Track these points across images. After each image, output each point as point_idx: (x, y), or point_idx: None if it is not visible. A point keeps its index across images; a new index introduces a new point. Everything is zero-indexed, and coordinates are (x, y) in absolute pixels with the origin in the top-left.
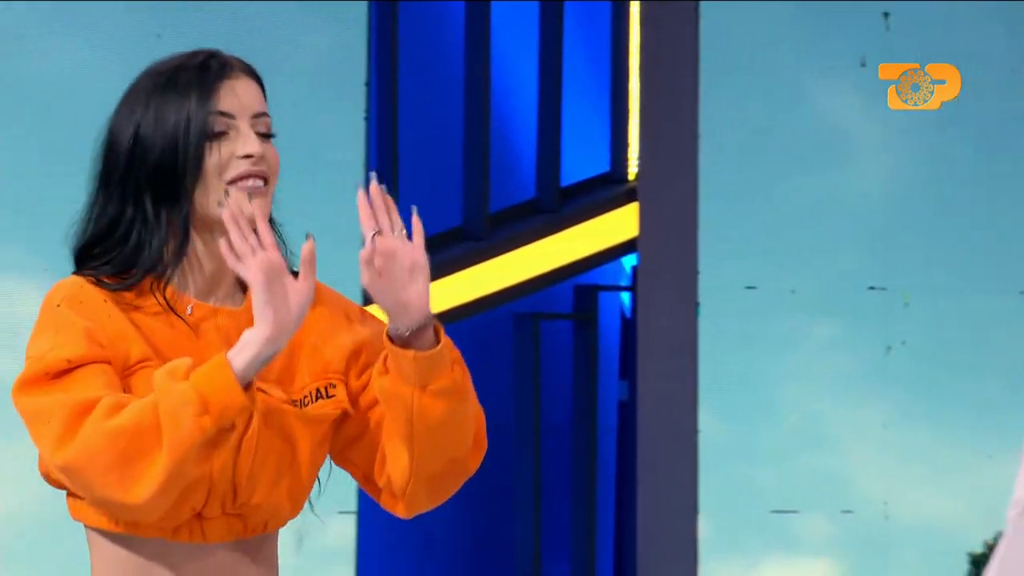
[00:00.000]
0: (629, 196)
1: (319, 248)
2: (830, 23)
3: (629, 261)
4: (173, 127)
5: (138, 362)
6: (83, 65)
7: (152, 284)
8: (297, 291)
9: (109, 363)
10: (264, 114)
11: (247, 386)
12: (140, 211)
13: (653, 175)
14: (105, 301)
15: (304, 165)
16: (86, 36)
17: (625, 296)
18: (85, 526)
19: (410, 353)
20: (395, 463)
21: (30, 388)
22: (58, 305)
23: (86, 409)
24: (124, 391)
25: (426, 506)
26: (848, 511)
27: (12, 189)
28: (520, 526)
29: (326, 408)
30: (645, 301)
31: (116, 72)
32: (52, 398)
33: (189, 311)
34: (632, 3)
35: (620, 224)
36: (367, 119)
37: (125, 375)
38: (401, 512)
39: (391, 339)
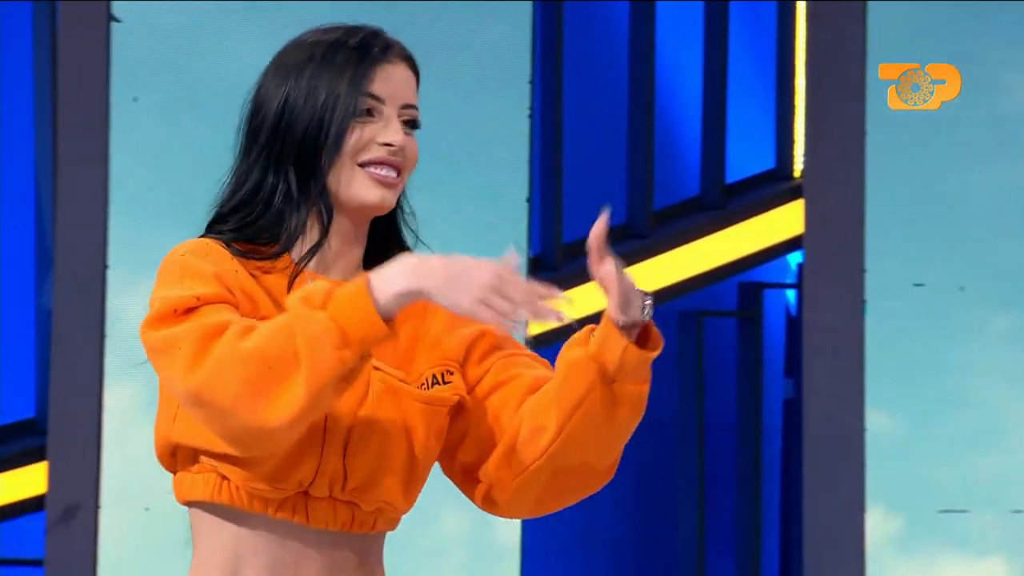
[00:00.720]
0: (795, 193)
1: (481, 244)
2: (998, 15)
3: (794, 258)
4: (323, 102)
5: (263, 318)
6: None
7: (278, 255)
8: (458, 260)
9: (237, 307)
10: (413, 106)
11: (388, 320)
12: (284, 183)
13: (819, 171)
14: (232, 258)
15: (468, 162)
16: (263, 36)
17: (790, 293)
18: (189, 508)
19: (624, 341)
20: (533, 441)
21: (158, 324)
22: (183, 254)
23: (217, 331)
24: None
25: (528, 508)
26: (1019, 511)
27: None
28: (684, 525)
29: (444, 393)
30: (811, 298)
31: None
32: (182, 327)
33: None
34: (799, 1)
35: (785, 221)
36: (531, 116)
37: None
38: (500, 508)
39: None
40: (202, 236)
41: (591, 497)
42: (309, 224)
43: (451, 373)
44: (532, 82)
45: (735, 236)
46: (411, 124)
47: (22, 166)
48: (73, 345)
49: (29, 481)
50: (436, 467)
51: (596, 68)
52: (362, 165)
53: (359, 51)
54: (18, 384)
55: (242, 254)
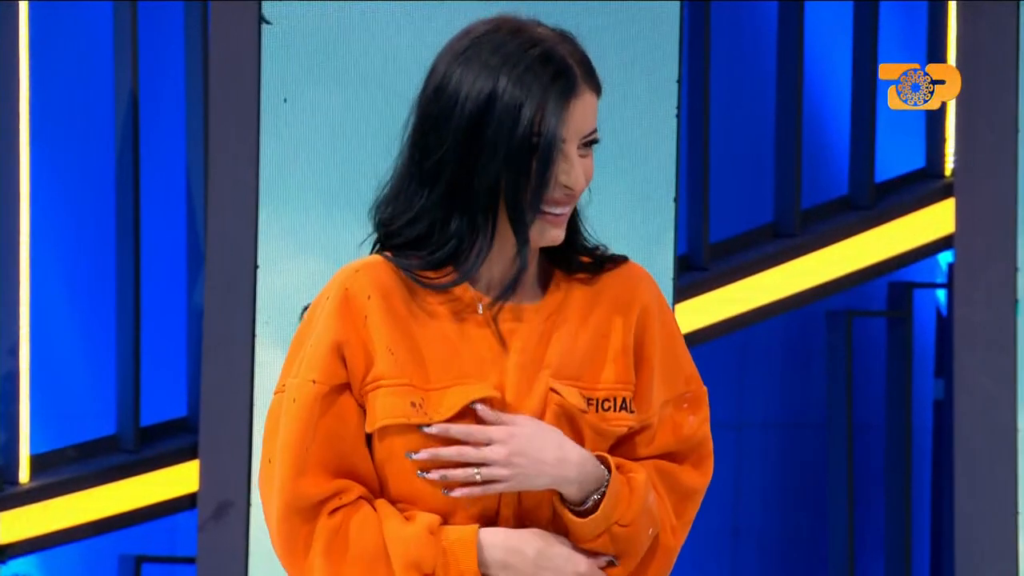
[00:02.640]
0: (945, 192)
1: (628, 243)
2: None
3: (945, 258)
4: (519, 142)
5: (374, 380)
6: (408, 65)
7: (454, 284)
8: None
9: (347, 386)
10: (594, 129)
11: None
12: (467, 208)
13: (970, 170)
14: (369, 297)
15: (615, 162)
16: (411, 36)
17: (940, 293)
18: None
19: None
20: None
21: (268, 436)
22: (328, 298)
23: (306, 509)
24: (356, 406)
25: None
26: None
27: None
28: (834, 525)
29: (628, 422)
30: (962, 298)
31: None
32: (298, 486)
33: (480, 310)
34: (950, 1)
35: (936, 220)
36: (678, 116)
37: (360, 395)
38: None
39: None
40: (379, 251)
41: (741, 494)
42: (487, 255)
43: (632, 400)
44: (679, 81)
45: (885, 235)
46: (591, 142)
47: (174, 168)
48: (224, 344)
49: (181, 479)
50: None
51: (743, 67)
52: (544, 204)
53: (555, 82)
54: (170, 383)
55: (414, 277)
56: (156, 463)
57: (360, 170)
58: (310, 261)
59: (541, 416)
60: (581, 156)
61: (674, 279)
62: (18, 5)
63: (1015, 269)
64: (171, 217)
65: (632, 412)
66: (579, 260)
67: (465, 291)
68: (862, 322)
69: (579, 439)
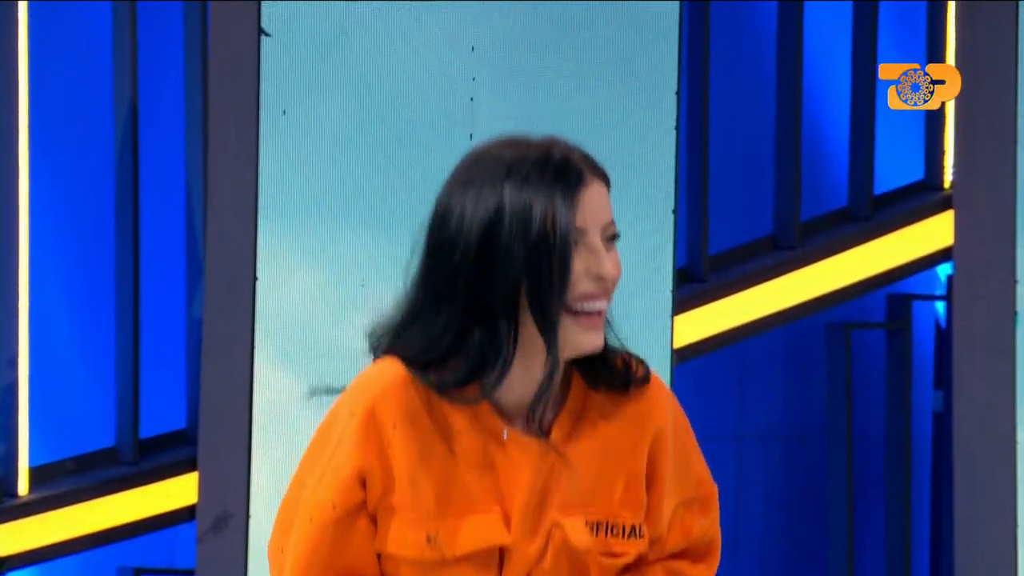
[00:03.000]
0: (944, 204)
1: (628, 255)
2: None
3: (944, 270)
4: (536, 241)
5: (392, 506)
6: (407, 78)
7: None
8: None
9: (364, 505)
10: (612, 221)
11: None
12: (487, 318)
13: (970, 182)
14: (395, 427)
15: (614, 173)
16: (411, 49)
17: (939, 305)
18: None
19: None
20: None
21: (283, 523)
22: (350, 415)
23: None
24: (370, 524)
25: None
26: None
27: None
28: (833, 536)
29: (637, 548)
30: (961, 310)
31: (430, 82)
32: (291, 565)
33: (505, 435)
34: (949, 2)
35: (935, 232)
36: (677, 128)
37: (374, 510)
38: None
39: None
40: (404, 362)
41: (741, 507)
42: (511, 365)
43: (642, 525)
44: (679, 94)
45: (884, 247)
46: (612, 237)
47: (173, 179)
48: (223, 356)
49: (180, 491)
50: None
51: (742, 79)
52: (577, 299)
53: (557, 178)
54: (169, 395)
55: (435, 388)
56: (155, 475)
57: (360, 180)
58: (310, 273)
59: (544, 552)
60: (605, 248)
61: (673, 291)
62: (17, 5)
63: (1014, 281)
64: (170, 228)
65: (642, 536)
66: (605, 373)
67: (490, 416)
68: (861, 334)
69: (584, 572)
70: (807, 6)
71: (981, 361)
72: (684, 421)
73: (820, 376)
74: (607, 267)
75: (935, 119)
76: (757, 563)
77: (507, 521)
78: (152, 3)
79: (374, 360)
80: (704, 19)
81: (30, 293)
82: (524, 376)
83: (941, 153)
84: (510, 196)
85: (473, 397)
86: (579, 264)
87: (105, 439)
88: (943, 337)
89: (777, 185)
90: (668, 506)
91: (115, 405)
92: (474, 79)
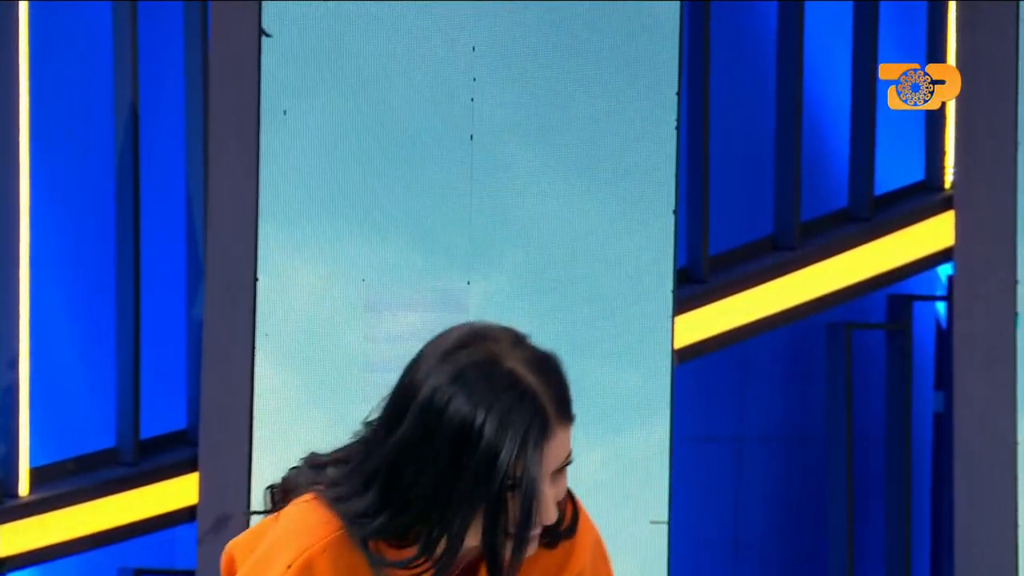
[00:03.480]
0: (945, 204)
1: (628, 256)
2: None
3: (944, 270)
4: (496, 490)
5: None
6: (405, 78)
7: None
8: None
9: None
10: (568, 454)
11: None
12: (440, 523)
13: (970, 183)
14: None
15: (615, 173)
16: (409, 50)
17: (940, 306)
18: None
19: None
20: None
21: None
22: (288, 566)
23: None
24: None
25: None
26: None
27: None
28: (833, 537)
29: None
30: (962, 310)
31: (425, 81)
32: None
33: None
34: (950, 2)
35: (935, 233)
36: (678, 128)
37: None
38: None
39: None
40: (352, 528)
41: (741, 508)
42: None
43: None
44: (679, 94)
45: (884, 248)
46: (565, 466)
47: (174, 180)
48: (224, 356)
49: (180, 492)
50: None
51: (743, 80)
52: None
53: (532, 428)
54: (169, 396)
55: (376, 561)
56: (156, 476)
57: (360, 181)
58: (310, 272)
59: None
60: (553, 483)
61: (673, 291)
62: (18, 5)
63: (1015, 281)
64: (171, 229)
65: None
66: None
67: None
68: (861, 334)
69: None
70: (807, 6)
71: (981, 362)
72: (602, 551)
73: (820, 377)
74: (549, 517)
75: (935, 119)
76: (757, 564)
77: None
78: (152, 3)
79: (298, 494)
80: (704, 19)
81: (30, 294)
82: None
83: (942, 153)
84: (481, 430)
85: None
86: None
87: (105, 440)
88: (944, 338)
89: (777, 185)
90: None
91: (115, 406)
92: (475, 80)
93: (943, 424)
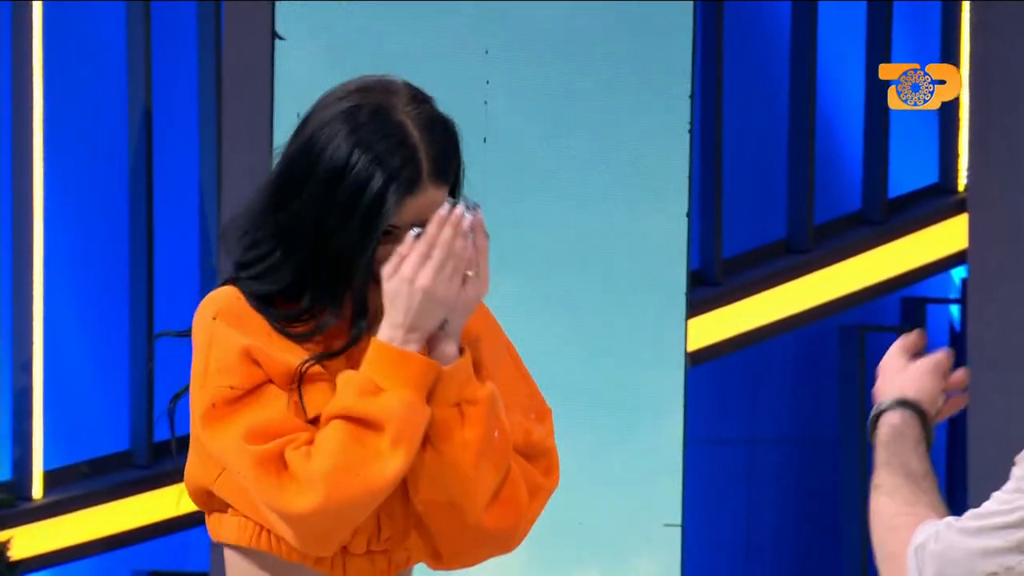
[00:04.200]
0: (959, 207)
1: (641, 258)
2: None
3: (958, 273)
4: (361, 220)
5: (305, 371)
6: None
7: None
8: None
9: (271, 381)
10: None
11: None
12: (320, 272)
13: (984, 185)
14: (257, 316)
15: (628, 176)
16: (422, 50)
17: (954, 308)
18: (223, 547)
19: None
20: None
21: (207, 424)
22: (213, 318)
23: (275, 456)
24: (295, 399)
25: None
26: None
27: None
28: (846, 539)
29: None
30: (975, 314)
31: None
32: (233, 445)
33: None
34: (963, 3)
35: (949, 236)
36: (691, 131)
37: (295, 383)
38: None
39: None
40: (229, 283)
41: (753, 510)
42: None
43: None
44: (692, 96)
45: (898, 251)
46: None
47: (187, 182)
48: None
49: None
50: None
51: (756, 82)
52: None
53: (401, 172)
54: (182, 398)
55: (262, 308)
56: (169, 478)
57: None
58: None
59: None
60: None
61: (687, 294)
62: (32, 5)
63: None
64: (184, 231)
65: None
66: None
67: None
68: (875, 337)
69: None
70: (821, 7)
71: (995, 365)
72: (495, 326)
73: (833, 379)
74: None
75: (949, 122)
76: (769, 566)
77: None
78: (165, 4)
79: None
80: (718, 21)
81: (44, 298)
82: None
83: (955, 156)
84: (355, 166)
85: (305, 332)
86: (384, 251)
87: (119, 443)
88: (957, 341)
89: (790, 188)
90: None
91: (129, 409)
92: (488, 82)
93: (956, 428)
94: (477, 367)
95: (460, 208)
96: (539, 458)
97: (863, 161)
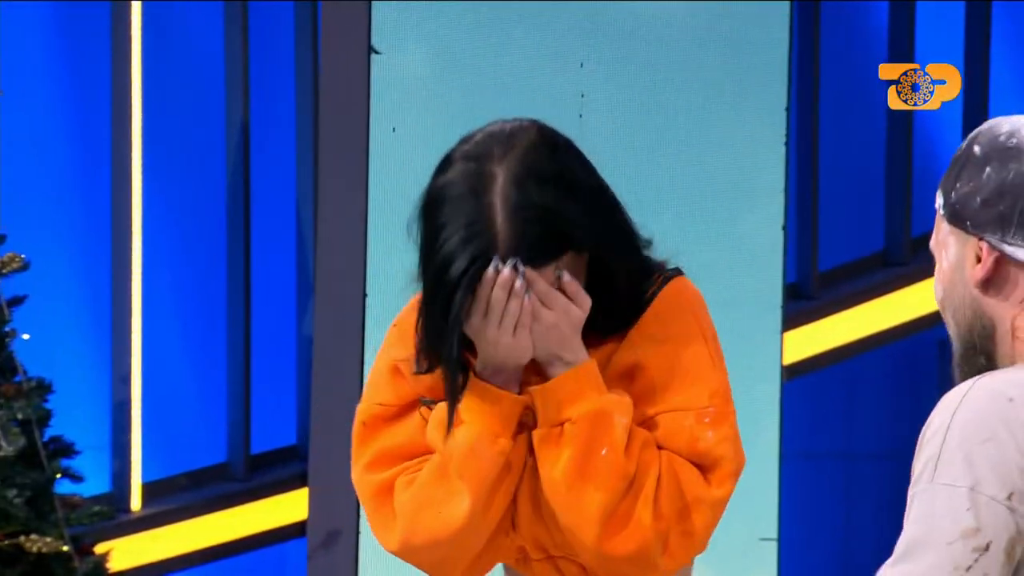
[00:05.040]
0: None
1: (737, 272)
2: None
3: None
4: (445, 297)
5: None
6: (512, 94)
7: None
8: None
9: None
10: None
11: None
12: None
13: None
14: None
15: (724, 189)
16: (514, 65)
17: None
18: None
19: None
20: None
21: (354, 441)
22: (395, 324)
23: (386, 489)
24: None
25: None
26: None
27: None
28: None
29: None
30: None
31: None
32: (357, 475)
33: None
34: None
35: None
36: (787, 144)
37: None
38: None
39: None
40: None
41: (852, 525)
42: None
43: None
44: (788, 109)
45: None
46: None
47: (283, 198)
48: (333, 372)
49: (291, 507)
50: None
51: (853, 95)
52: None
53: (474, 264)
54: (280, 411)
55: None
56: (266, 491)
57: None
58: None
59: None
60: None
61: (783, 307)
62: (131, 5)
63: None
64: (281, 246)
65: None
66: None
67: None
68: None
69: None
70: (918, 7)
71: None
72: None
73: (931, 394)
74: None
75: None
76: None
77: None
78: (264, 4)
79: None
80: (814, 31)
81: (143, 311)
82: None
83: None
84: (442, 247)
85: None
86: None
87: (217, 455)
88: None
89: (888, 200)
90: None
91: (226, 421)
92: (583, 96)
93: None
94: (617, 378)
95: (506, 271)
96: (708, 468)
97: None
